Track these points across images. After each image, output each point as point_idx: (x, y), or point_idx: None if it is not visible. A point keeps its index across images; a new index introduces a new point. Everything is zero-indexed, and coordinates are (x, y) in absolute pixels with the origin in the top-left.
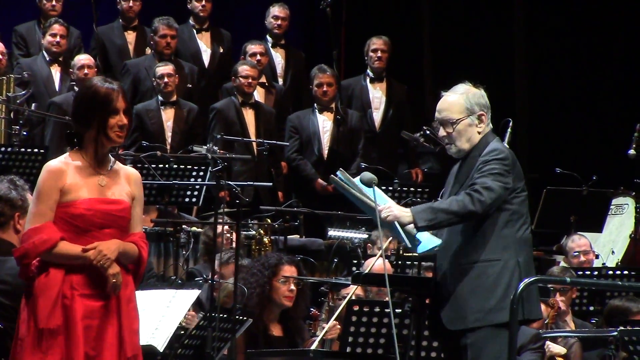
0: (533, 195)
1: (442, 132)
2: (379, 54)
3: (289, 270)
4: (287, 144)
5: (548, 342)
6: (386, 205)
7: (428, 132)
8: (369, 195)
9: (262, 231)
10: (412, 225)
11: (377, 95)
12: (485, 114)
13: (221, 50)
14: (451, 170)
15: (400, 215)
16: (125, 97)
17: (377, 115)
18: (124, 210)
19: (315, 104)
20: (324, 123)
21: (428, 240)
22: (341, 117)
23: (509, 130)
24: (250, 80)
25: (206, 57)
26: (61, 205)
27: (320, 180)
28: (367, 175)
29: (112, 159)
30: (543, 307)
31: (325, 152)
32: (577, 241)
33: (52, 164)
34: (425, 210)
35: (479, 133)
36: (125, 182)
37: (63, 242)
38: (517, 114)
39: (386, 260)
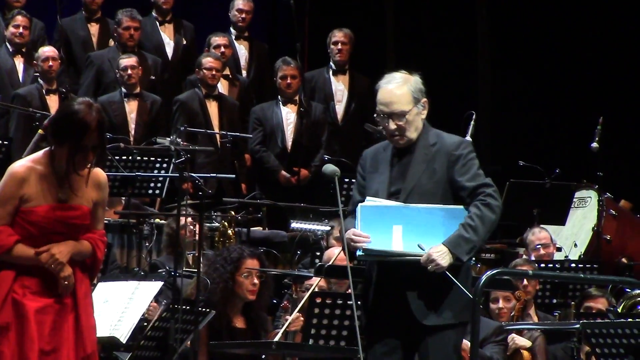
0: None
1: (391, 126)
2: (340, 46)
3: (251, 264)
4: (251, 136)
5: (514, 335)
6: (426, 255)
7: (369, 129)
8: (408, 253)
9: (225, 223)
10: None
11: (339, 87)
12: (426, 100)
13: (184, 42)
14: (373, 156)
15: (442, 262)
16: (99, 134)
17: (340, 108)
18: (81, 216)
19: (279, 96)
20: (288, 115)
21: None
22: (304, 110)
23: (472, 122)
24: (214, 72)
25: (169, 49)
26: (20, 211)
27: (284, 172)
28: (330, 167)
29: None
30: (503, 302)
31: (289, 144)
32: (538, 234)
33: (17, 169)
34: (459, 242)
35: (422, 120)
36: (90, 186)
37: (18, 246)
38: (480, 107)
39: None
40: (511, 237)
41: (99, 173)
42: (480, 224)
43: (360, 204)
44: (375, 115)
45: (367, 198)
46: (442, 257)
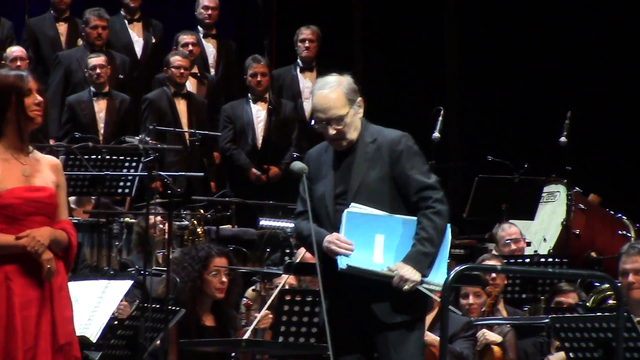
0: (464, 183)
1: (331, 131)
2: (307, 43)
3: (219, 262)
4: (220, 134)
5: (484, 330)
6: (398, 277)
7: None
8: (381, 272)
9: (194, 221)
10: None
11: (307, 85)
12: (361, 99)
13: (154, 41)
14: (316, 157)
15: (414, 278)
16: (36, 80)
17: (308, 105)
18: (50, 197)
19: (249, 94)
20: (258, 113)
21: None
22: (274, 107)
23: (440, 118)
24: (182, 71)
25: (138, 47)
26: None
27: (254, 170)
28: (298, 164)
29: (31, 147)
30: (473, 297)
31: (259, 141)
32: (508, 229)
33: None
34: (420, 258)
35: (360, 118)
36: (48, 170)
37: None
38: (447, 102)
39: None
40: (480, 232)
41: (52, 157)
42: (434, 234)
43: (347, 210)
44: (313, 122)
45: (352, 204)
46: (413, 274)
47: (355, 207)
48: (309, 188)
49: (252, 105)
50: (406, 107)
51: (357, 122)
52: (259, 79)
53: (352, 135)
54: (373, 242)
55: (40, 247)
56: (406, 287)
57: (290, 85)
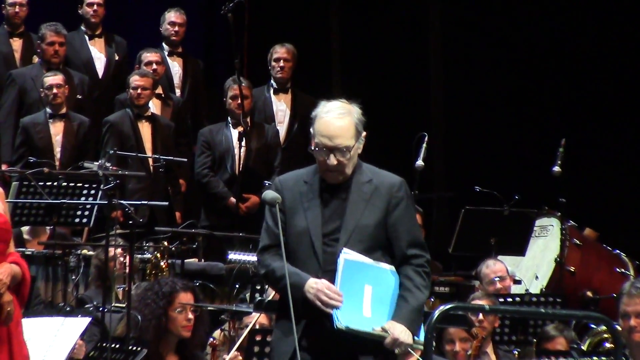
0: (450, 215)
1: (332, 161)
2: (282, 63)
3: (185, 298)
4: (185, 160)
5: None
6: (391, 339)
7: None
8: (375, 334)
9: (158, 254)
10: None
11: (281, 107)
12: (365, 134)
13: (117, 58)
14: (292, 187)
15: (408, 342)
16: None
17: (282, 129)
18: (6, 223)
19: (228, 118)
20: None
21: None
22: (246, 133)
23: (424, 145)
24: (139, 92)
25: (100, 65)
26: None
27: (232, 199)
28: (270, 194)
29: None
30: (459, 343)
31: (239, 168)
32: (493, 267)
33: None
34: (414, 317)
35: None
36: None
37: None
38: (432, 128)
39: None
40: (467, 268)
41: None
42: (426, 294)
43: (345, 257)
44: (313, 147)
45: (345, 250)
46: (407, 337)
47: (348, 254)
48: (283, 221)
49: (232, 130)
50: (388, 132)
51: (356, 157)
52: (240, 101)
53: (349, 170)
54: (362, 293)
55: (3, 287)
56: (398, 350)
57: (262, 108)
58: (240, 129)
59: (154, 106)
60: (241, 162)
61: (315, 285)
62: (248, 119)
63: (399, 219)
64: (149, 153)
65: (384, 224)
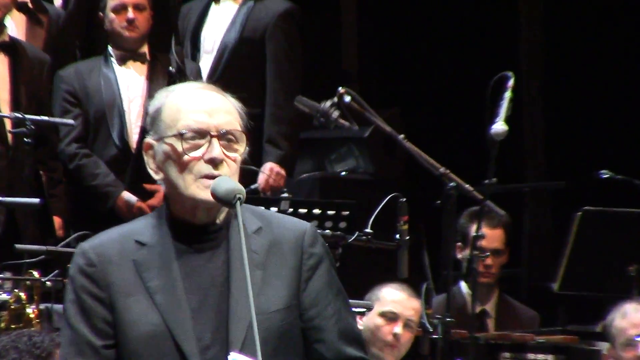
0: (554, 222)
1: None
2: None
3: None
4: (72, 122)
5: None
6: None
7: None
8: None
9: (21, 295)
10: None
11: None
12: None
13: None
14: (115, 256)
15: None
16: None
17: (207, 61)
18: None
19: (109, 48)
20: (132, 83)
21: None
22: (175, 68)
23: (508, 94)
24: None
25: None
26: None
27: (125, 196)
28: (225, 183)
29: None
30: None
31: (135, 138)
32: (634, 316)
33: None
34: None
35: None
36: None
37: None
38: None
39: None
40: (586, 320)
41: None
42: None
43: None
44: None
45: (232, 354)
46: None
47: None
48: (107, 320)
49: (116, 68)
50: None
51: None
52: (130, 15)
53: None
54: None
55: None
56: None
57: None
58: (136, 66)
59: (16, 27)
60: (142, 125)
61: None
62: (146, 49)
63: (321, 294)
64: (4, 109)
65: (296, 306)
